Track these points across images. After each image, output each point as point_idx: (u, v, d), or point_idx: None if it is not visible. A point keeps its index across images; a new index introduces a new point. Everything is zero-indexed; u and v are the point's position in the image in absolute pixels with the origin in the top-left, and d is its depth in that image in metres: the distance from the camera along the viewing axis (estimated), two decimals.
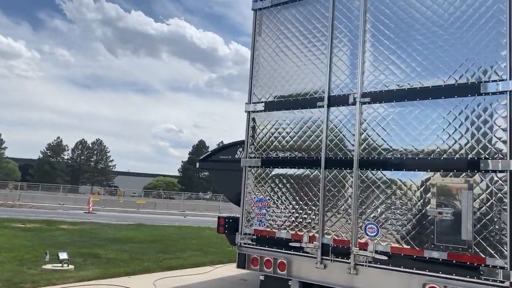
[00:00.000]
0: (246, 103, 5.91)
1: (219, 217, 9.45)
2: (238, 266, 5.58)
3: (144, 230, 19.69)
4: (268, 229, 5.46)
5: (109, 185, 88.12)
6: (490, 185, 4.05)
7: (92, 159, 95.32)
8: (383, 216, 4.62)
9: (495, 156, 4.05)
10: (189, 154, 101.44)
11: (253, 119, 5.85)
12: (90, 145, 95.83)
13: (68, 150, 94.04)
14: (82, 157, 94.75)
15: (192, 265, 11.54)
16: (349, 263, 4.71)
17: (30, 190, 56.51)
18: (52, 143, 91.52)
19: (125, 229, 19.62)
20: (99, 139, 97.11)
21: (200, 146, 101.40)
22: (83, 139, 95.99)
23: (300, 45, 5.54)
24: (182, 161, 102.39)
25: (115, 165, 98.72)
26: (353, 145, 4.92)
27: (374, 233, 4.65)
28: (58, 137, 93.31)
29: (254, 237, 5.56)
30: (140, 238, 16.61)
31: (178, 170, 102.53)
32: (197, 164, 10.25)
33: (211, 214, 39.46)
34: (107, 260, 10.97)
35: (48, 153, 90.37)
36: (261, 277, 5.56)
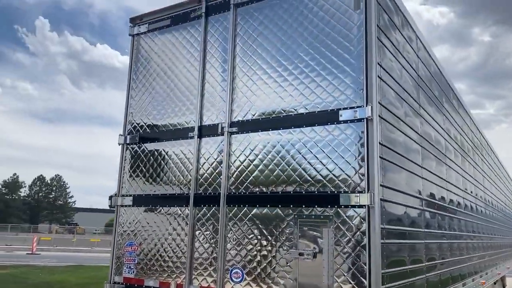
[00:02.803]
0: (120, 135, 5.38)
1: None
2: None
3: (82, 272, 18.39)
4: (137, 277, 4.84)
5: (68, 222, 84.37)
6: (350, 223, 3.64)
7: (51, 196, 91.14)
8: (248, 258, 4.12)
9: (354, 190, 3.66)
10: None
11: (129, 152, 5.32)
12: (49, 181, 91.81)
13: (25, 186, 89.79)
14: (40, 194, 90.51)
15: None
16: None
17: None
18: (8, 179, 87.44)
19: (59, 272, 18.29)
20: (58, 175, 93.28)
21: None
22: (41, 175, 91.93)
23: (175, 71, 5.13)
24: None
25: (75, 201, 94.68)
26: (221, 179, 4.45)
27: (239, 279, 4.13)
28: (15, 174, 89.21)
29: (123, 286, 4.92)
30: (72, 281, 15.42)
31: None
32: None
33: None
34: None
35: (3, 191, 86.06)
36: None
